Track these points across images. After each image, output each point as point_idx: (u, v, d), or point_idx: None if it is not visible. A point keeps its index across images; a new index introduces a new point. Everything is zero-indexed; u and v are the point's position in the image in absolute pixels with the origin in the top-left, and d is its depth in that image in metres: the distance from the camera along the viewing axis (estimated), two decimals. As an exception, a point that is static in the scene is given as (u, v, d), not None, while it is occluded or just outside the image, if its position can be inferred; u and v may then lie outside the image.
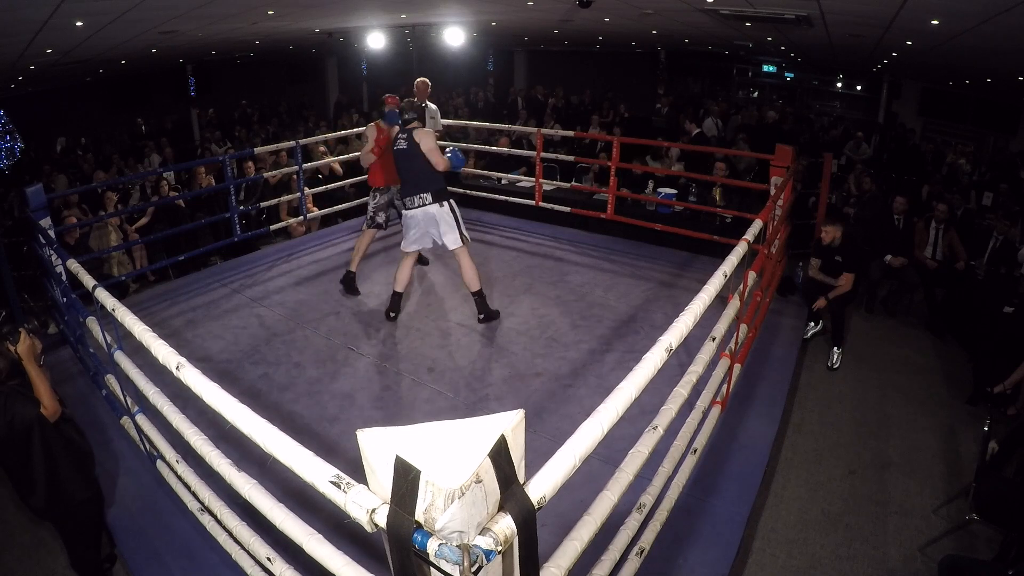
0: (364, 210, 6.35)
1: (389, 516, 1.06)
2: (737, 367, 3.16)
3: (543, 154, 5.94)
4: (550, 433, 3.06)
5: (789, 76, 12.93)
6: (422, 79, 5.45)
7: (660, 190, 6.05)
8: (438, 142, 4.05)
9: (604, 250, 5.54)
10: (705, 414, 2.70)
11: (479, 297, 4.14)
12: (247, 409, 1.50)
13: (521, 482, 1.14)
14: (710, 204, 5.74)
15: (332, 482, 1.21)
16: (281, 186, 6.75)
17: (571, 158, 6.44)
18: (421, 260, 5.06)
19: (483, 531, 1.04)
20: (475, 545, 1.02)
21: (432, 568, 1.04)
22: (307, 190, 5.96)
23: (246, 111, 12.23)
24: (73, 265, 2.90)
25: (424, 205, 3.94)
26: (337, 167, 7.00)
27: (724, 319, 2.61)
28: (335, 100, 13.48)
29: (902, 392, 4.14)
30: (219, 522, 2.14)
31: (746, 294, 2.87)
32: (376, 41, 8.66)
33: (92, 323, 2.77)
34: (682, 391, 2.10)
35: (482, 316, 4.17)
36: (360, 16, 7.73)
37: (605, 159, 6.31)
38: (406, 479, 1.01)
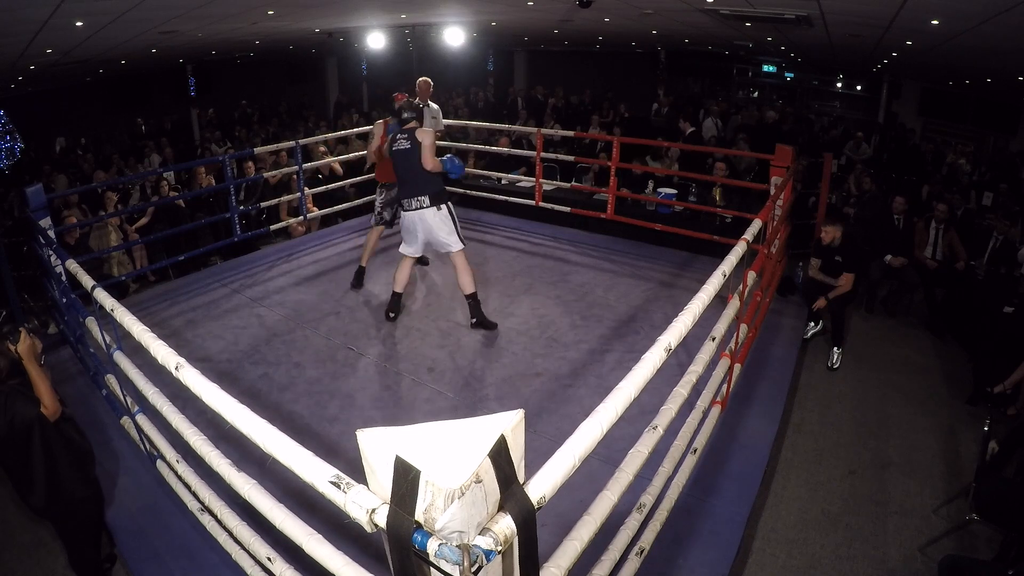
0: (364, 210, 6.40)
1: (389, 516, 1.06)
2: (737, 367, 3.16)
3: (543, 154, 5.94)
4: (550, 433, 3.06)
5: (789, 76, 12.93)
6: (424, 79, 5.44)
7: (660, 190, 6.05)
8: (439, 143, 4.05)
9: (604, 250, 5.54)
10: (705, 414, 2.70)
11: (473, 300, 4.07)
12: (247, 409, 1.50)
13: (521, 482, 1.14)
14: (710, 204, 5.74)
15: (332, 482, 1.21)
16: (281, 186, 6.75)
17: (571, 158, 6.44)
18: (421, 260, 5.06)
19: (483, 531, 1.04)
20: (475, 545, 1.02)
21: (432, 568, 1.04)
22: (307, 190, 5.96)
23: (246, 111, 12.23)
24: (72, 265, 2.90)
25: (421, 208, 3.87)
26: (337, 167, 7.00)
27: (724, 319, 2.61)
28: (335, 100, 13.48)
29: (902, 392, 4.14)
30: (219, 522, 2.14)
31: (746, 294, 2.87)
32: (376, 41, 8.67)
33: (92, 323, 2.76)
34: (682, 391, 2.10)
35: (475, 320, 4.10)
36: (360, 16, 7.73)
37: (605, 159, 6.31)
38: (406, 479, 1.01)
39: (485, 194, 6.42)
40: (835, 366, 4.36)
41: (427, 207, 3.86)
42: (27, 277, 5.02)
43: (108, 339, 2.59)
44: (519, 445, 1.11)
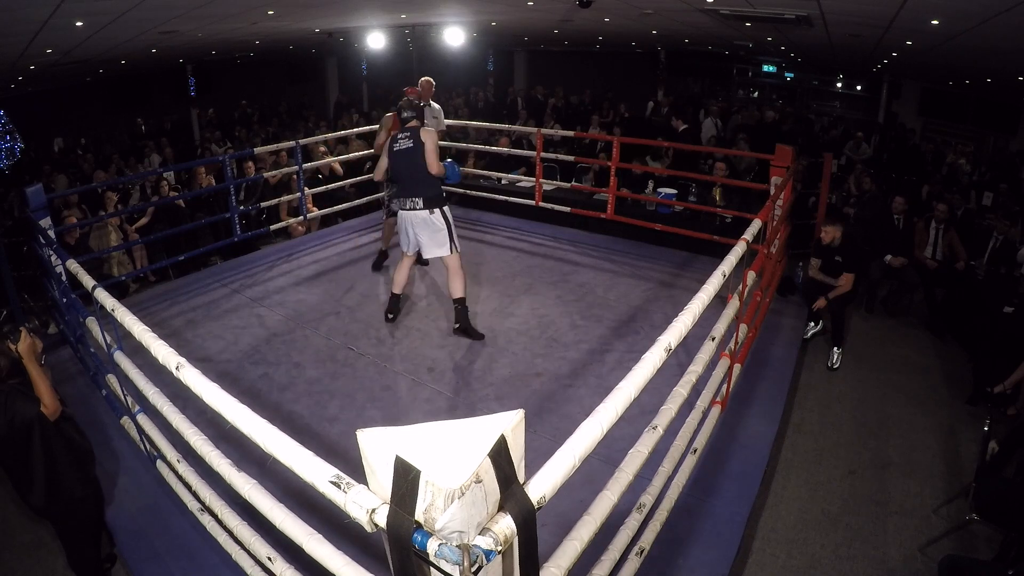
0: (364, 210, 6.41)
1: (389, 516, 1.06)
2: (737, 367, 3.16)
3: (543, 154, 5.94)
4: (550, 433, 3.06)
5: (789, 76, 12.94)
6: (426, 78, 5.40)
7: (660, 190, 6.05)
8: (439, 143, 4.03)
9: (604, 250, 5.54)
10: (705, 414, 2.70)
11: (460, 306, 3.98)
12: (247, 409, 1.50)
13: (521, 482, 1.14)
14: (710, 204, 5.74)
15: (332, 482, 1.21)
16: (281, 186, 6.75)
17: (571, 158, 6.44)
18: (421, 261, 5.04)
19: (483, 531, 1.04)
20: (475, 545, 1.02)
21: (432, 568, 1.04)
22: (307, 190, 5.96)
23: (246, 111, 12.23)
24: (73, 265, 2.90)
25: (414, 209, 3.80)
26: (337, 167, 7.00)
27: (724, 319, 2.61)
28: (335, 100, 13.49)
29: (902, 392, 4.14)
30: (219, 522, 2.14)
31: (746, 294, 2.88)
32: (376, 41, 8.67)
33: (92, 323, 2.76)
34: (682, 391, 2.10)
35: (458, 326, 4.01)
36: (360, 16, 7.74)
37: (605, 159, 6.31)
38: (406, 479, 1.01)
39: (485, 194, 6.42)
40: (835, 366, 4.36)
41: (420, 209, 3.80)
42: (27, 277, 5.02)
43: (108, 339, 2.59)
44: (519, 445, 1.11)
